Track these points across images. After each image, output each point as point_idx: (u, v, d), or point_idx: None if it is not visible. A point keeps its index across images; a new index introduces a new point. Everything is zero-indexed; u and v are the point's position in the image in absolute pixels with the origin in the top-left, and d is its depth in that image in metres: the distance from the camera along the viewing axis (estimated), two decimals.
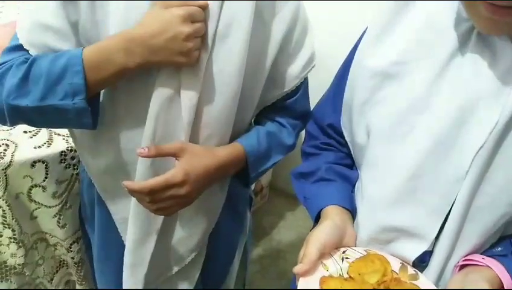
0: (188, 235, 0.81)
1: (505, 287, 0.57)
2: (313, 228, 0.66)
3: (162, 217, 0.77)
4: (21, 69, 0.63)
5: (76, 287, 1.21)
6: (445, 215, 0.60)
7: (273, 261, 1.94)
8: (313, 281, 0.57)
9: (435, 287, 0.60)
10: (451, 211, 0.59)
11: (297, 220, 2.21)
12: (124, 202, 0.77)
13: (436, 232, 0.61)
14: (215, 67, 0.66)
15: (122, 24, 0.62)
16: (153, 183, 0.64)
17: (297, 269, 0.57)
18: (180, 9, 0.59)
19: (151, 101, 0.66)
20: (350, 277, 0.59)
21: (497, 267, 0.58)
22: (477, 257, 0.60)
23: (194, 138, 0.70)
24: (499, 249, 0.62)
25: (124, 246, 0.81)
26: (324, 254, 0.60)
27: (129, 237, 0.77)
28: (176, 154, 0.67)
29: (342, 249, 0.63)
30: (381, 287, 0.58)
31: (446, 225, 0.60)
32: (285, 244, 2.04)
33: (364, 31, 0.69)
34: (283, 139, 0.83)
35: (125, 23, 0.62)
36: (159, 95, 0.66)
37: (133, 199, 0.75)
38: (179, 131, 0.69)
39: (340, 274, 0.60)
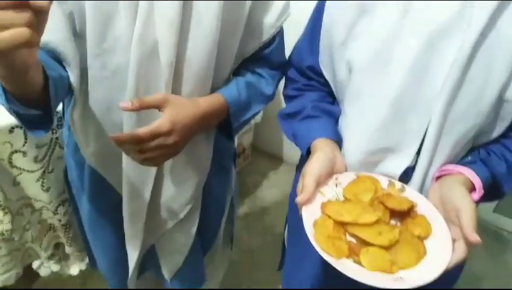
0: (180, 189, 0.82)
1: (476, 188, 0.64)
2: (304, 162, 0.69)
3: (154, 172, 0.77)
4: None
5: (66, 250, 1.22)
6: (424, 132, 0.65)
7: (258, 218, 1.99)
8: (314, 208, 0.61)
9: (421, 196, 0.66)
10: (429, 126, 0.64)
11: (279, 178, 2.26)
12: (116, 166, 0.77)
13: (417, 148, 0.67)
14: (193, 20, 0.65)
15: None
16: (142, 132, 0.63)
17: (298, 200, 0.61)
18: None
19: (131, 60, 0.65)
20: (346, 198, 0.64)
21: (468, 172, 0.65)
22: (451, 166, 0.67)
23: (175, 94, 0.70)
24: (469, 158, 0.70)
25: (116, 205, 0.82)
26: (320, 183, 0.64)
27: (124, 192, 0.79)
28: (159, 106, 0.66)
29: (335, 176, 0.67)
30: (375, 203, 0.63)
31: (425, 140, 0.66)
32: (269, 202, 2.09)
33: None
34: (262, 89, 0.83)
35: None
36: (137, 53, 0.64)
37: (124, 160, 0.75)
38: (160, 89, 0.68)
39: (336, 198, 0.64)
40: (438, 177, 0.68)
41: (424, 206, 0.63)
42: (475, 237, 0.54)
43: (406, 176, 0.69)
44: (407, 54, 0.63)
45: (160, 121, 0.65)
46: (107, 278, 1.01)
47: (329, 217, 0.59)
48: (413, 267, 0.55)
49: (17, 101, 0.54)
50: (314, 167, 0.64)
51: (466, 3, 0.58)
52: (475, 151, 0.71)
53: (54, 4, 0.57)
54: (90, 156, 0.80)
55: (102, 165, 0.81)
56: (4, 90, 0.52)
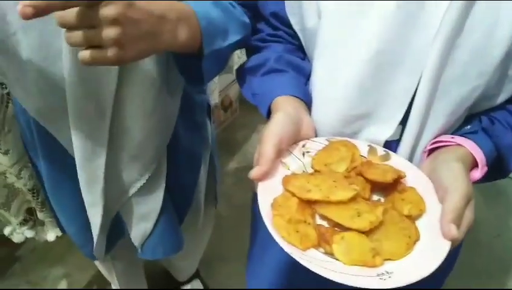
0: (141, 148, 0.72)
1: (479, 163, 0.50)
2: None
3: (107, 129, 0.65)
4: None
5: (38, 215, 1.14)
6: (412, 93, 0.51)
7: (249, 173, 1.91)
8: (274, 183, 0.47)
9: (411, 164, 0.52)
10: (418, 86, 0.50)
11: None
12: (63, 119, 0.65)
13: (403, 112, 0.52)
14: None
15: None
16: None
17: (253, 173, 0.47)
18: None
19: None
20: (316, 170, 0.50)
21: (468, 144, 0.50)
22: (446, 137, 0.52)
23: None
24: (468, 127, 0.55)
25: (73, 165, 0.71)
26: (282, 151, 0.50)
27: (77, 155, 0.68)
28: None
29: (301, 143, 0.53)
30: (352, 175, 0.49)
31: (414, 104, 0.51)
32: None
33: None
34: (237, 14, 0.65)
35: None
36: None
37: (72, 121, 0.63)
38: None
39: (304, 171, 0.50)
40: (431, 152, 0.54)
41: (415, 177, 0.49)
42: (448, 229, 0.41)
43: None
44: None
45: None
46: (79, 247, 0.92)
47: (292, 194, 0.45)
48: (403, 257, 0.41)
49: None
50: (273, 129, 0.50)
51: None
52: (474, 119, 0.57)
53: None
54: (35, 113, 0.68)
55: (49, 123, 0.68)
56: None
